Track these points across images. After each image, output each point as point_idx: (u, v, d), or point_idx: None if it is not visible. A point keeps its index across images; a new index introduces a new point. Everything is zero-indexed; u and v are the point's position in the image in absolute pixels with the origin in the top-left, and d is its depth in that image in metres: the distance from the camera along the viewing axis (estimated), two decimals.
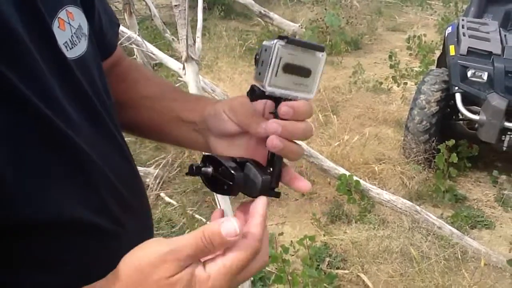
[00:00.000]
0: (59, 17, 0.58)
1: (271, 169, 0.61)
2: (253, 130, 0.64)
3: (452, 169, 3.51)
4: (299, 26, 6.88)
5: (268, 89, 0.58)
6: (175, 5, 1.61)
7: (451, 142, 3.44)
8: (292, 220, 3.26)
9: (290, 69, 0.58)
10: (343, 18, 6.85)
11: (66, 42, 0.58)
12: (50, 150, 0.52)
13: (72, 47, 0.59)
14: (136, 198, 0.70)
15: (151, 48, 3.03)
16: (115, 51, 0.80)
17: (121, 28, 3.45)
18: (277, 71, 0.57)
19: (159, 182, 3.58)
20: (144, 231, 0.72)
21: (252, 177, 0.59)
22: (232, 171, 0.57)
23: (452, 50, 3.60)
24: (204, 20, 7.69)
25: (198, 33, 1.97)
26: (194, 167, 0.59)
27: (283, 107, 0.59)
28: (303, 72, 0.60)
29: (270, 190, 0.61)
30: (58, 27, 0.57)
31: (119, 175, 0.64)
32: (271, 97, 0.60)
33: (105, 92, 0.68)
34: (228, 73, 5.32)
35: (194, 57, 1.70)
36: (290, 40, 0.57)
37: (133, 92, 0.81)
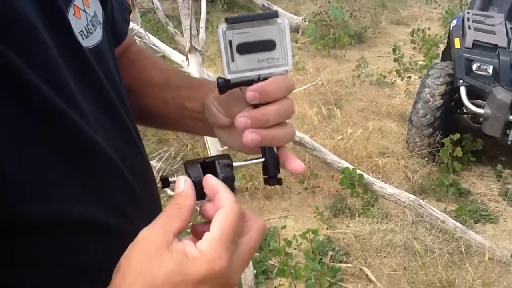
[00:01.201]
0: (74, 5, 0.56)
1: (264, 158, 0.58)
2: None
3: (456, 163, 3.49)
4: (302, 19, 6.85)
5: (230, 76, 0.54)
6: None
7: (456, 136, 3.41)
8: (295, 214, 3.25)
9: (247, 48, 0.54)
10: (346, 11, 6.81)
11: (81, 30, 0.56)
12: (62, 144, 0.50)
13: (88, 36, 0.57)
14: (148, 194, 0.68)
15: (154, 40, 3.01)
16: (126, 38, 0.79)
17: None
18: (232, 55, 0.54)
19: (161, 175, 3.57)
20: None
21: (218, 175, 0.55)
22: (191, 176, 0.54)
23: (457, 43, 3.57)
24: (207, 13, 7.66)
25: (202, 24, 1.95)
26: (161, 179, 0.57)
27: (248, 93, 0.54)
28: (265, 46, 0.54)
29: (272, 178, 0.58)
30: (74, 15, 0.55)
31: (133, 170, 0.62)
32: (241, 82, 0.55)
33: (120, 81, 0.66)
34: None
35: (197, 48, 1.68)
36: (231, 20, 0.53)
37: (140, 80, 0.80)
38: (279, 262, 2.69)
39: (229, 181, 0.54)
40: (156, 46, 2.93)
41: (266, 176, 0.58)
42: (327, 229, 3.07)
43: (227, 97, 0.61)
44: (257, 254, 2.70)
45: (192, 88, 0.76)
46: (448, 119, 3.64)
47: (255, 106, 0.55)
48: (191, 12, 1.55)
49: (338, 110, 4.37)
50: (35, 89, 0.47)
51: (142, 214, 0.65)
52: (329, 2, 7.06)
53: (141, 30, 2.92)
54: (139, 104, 0.79)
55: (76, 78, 0.54)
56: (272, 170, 0.58)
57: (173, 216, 0.49)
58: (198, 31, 1.77)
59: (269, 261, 2.75)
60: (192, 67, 1.70)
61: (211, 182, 0.53)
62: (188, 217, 0.50)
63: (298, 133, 3.12)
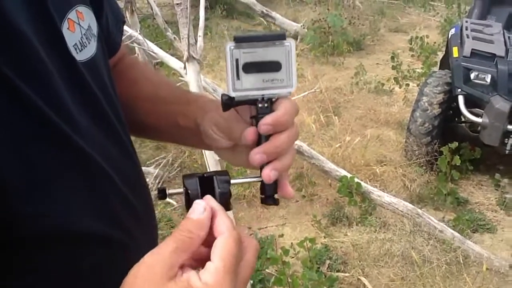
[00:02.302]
0: (68, 18, 0.56)
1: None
2: (238, 142, 0.62)
3: (454, 171, 3.49)
4: (301, 26, 6.86)
5: (234, 94, 0.55)
6: (177, 4, 1.58)
7: (454, 144, 3.41)
8: (292, 222, 3.23)
9: (253, 68, 0.54)
10: (345, 18, 6.82)
11: (75, 44, 0.56)
12: (58, 158, 0.50)
13: (82, 49, 0.57)
14: (144, 206, 0.68)
15: (152, 46, 3.01)
16: (119, 49, 0.78)
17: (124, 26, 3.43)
18: (237, 74, 0.54)
19: (159, 182, 3.55)
20: (150, 239, 0.70)
21: (215, 190, 0.56)
22: (188, 190, 0.54)
23: (455, 51, 3.58)
24: (206, 19, 7.65)
25: (200, 32, 1.95)
26: (158, 190, 0.58)
27: (262, 127, 0.56)
28: (271, 66, 0.55)
29: (268, 198, 0.58)
30: (68, 28, 0.55)
31: (129, 183, 0.62)
32: (245, 101, 0.56)
33: (115, 94, 0.66)
34: None
35: (195, 56, 1.67)
36: (239, 39, 0.53)
37: (131, 93, 0.79)
38: (276, 271, 2.67)
39: (225, 197, 0.54)
40: (154, 52, 2.93)
41: (263, 196, 0.59)
42: (324, 237, 3.05)
43: (226, 122, 0.63)
44: None
45: (182, 104, 0.75)
46: (446, 128, 3.64)
47: (257, 122, 0.56)
48: (189, 21, 1.55)
49: (336, 117, 4.37)
50: (31, 103, 0.47)
51: (139, 226, 0.66)
52: (328, 9, 7.08)
53: (140, 37, 2.92)
54: (130, 117, 0.79)
55: (70, 92, 0.53)
56: (269, 190, 0.58)
57: (183, 246, 0.48)
58: (196, 40, 1.77)
59: (266, 270, 2.74)
60: (190, 75, 1.70)
61: (203, 203, 0.52)
62: (196, 248, 0.48)
63: (296, 141, 3.11)
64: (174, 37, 2.55)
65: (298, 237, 2.90)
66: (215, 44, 6.19)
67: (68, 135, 0.51)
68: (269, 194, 0.58)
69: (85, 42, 0.58)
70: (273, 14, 7.01)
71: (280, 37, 0.55)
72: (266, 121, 0.55)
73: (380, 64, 6.17)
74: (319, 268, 2.73)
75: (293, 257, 2.77)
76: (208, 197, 0.53)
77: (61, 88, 0.52)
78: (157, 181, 3.56)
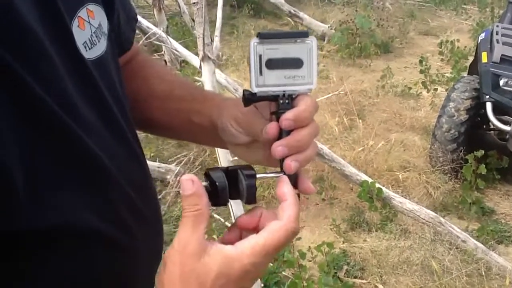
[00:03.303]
0: (79, 16, 0.56)
1: (283, 173, 0.58)
2: (259, 137, 0.62)
3: (479, 180, 3.39)
4: (328, 27, 6.80)
5: (256, 90, 0.56)
6: (194, 3, 1.58)
7: (480, 152, 3.32)
8: (311, 225, 3.20)
9: (275, 64, 0.56)
10: (374, 20, 6.73)
11: (85, 42, 0.56)
12: (63, 156, 0.50)
13: (92, 47, 0.58)
14: (150, 207, 0.68)
15: (175, 45, 3.02)
16: (131, 48, 0.78)
17: (147, 24, 3.46)
18: (260, 69, 0.56)
19: (179, 180, 3.57)
20: (154, 240, 0.70)
21: (240, 184, 0.58)
22: (216, 181, 0.56)
23: (484, 57, 3.48)
24: (233, 18, 7.72)
25: (217, 32, 1.94)
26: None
27: (284, 121, 0.57)
28: (293, 63, 0.57)
29: None
30: (78, 26, 0.55)
31: (134, 184, 0.62)
32: (266, 97, 0.57)
33: (123, 93, 0.66)
34: None
35: (211, 56, 1.67)
36: (263, 35, 0.55)
37: (144, 91, 0.79)
38: (292, 274, 2.65)
39: (251, 191, 0.56)
40: (177, 51, 2.95)
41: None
42: (343, 242, 3.01)
43: (246, 116, 0.63)
44: (271, 264, 2.67)
45: (196, 101, 0.75)
46: (473, 135, 3.54)
47: (277, 117, 0.57)
48: (204, 20, 1.54)
49: (360, 121, 4.31)
50: (40, 101, 0.47)
51: (143, 228, 0.65)
52: (356, 10, 6.99)
53: (163, 35, 2.93)
54: (144, 115, 0.79)
55: (78, 90, 0.54)
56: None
57: (196, 220, 0.51)
58: (212, 39, 1.76)
59: (283, 272, 2.72)
60: (205, 75, 1.69)
61: (283, 187, 0.55)
62: (209, 213, 0.52)
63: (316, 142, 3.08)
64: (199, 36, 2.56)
65: (317, 241, 2.87)
66: (241, 43, 6.19)
67: (74, 132, 0.51)
68: None
69: (95, 40, 0.58)
70: (301, 14, 6.97)
71: (302, 34, 0.56)
72: (288, 116, 0.56)
73: (408, 68, 6.06)
74: (336, 273, 2.70)
75: (310, 261, 2.74)
76: (284, 178, 0.56)
77: (69, 86, 0.52)
78: (177, 178, 3.58)
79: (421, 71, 5.21)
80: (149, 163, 3.66)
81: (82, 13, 0.57)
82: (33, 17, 0.48)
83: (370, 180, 3.11)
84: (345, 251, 2.92)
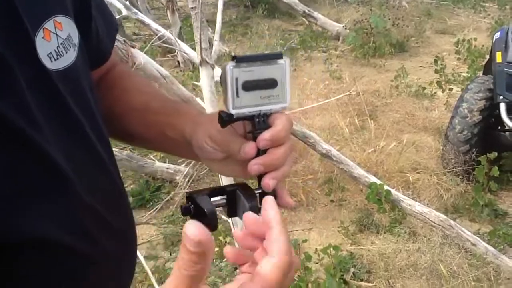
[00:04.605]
0: (44, 27, 0.56)
1: (261, 190, 0.60)
2: (236, 155, 0.62)
3: (492, 182, 3.32)
4: (343, 26, 6.75)
5: (234, 112, 0.58)
6: (191, 8, 1.58)
7: (493, 154, 3.25)
8: (319, 227, 3.18)
9: (251, 86, 0.58)
10: (389, 19, 6.66)
11: (50, 53, 0.57)
12: (23, 166, 0.50)
13: (58, 58, 0.58)
14: (119, 216, 0.68)
15: (184, 47, 3.03)
16: (110, 58, 0.79)
17: (156, 26, 3.48)
18: (237, 92, 0.57)
19: (188, 180, 3.59)
20: (124, 251, 0.70)
21: (241, 205, 0.60)
22: (204, 208, 0.56)
23: (498, 57, 3.41)
24: (248, 18, 7.72)
25: (216, 36, 1.94)
26: (182, 209, 0.59)
27: (261, 142, 0.59)
28: (268, 84, 0.59)
29: None
30: (43, 37, 0.56)
31: (100, 193, 0.62)
32: (243, 117, 0.59)
33: (95, 103, 0.66)
34: None
35: (208, 61, 1.66)
36: (239, 59, 0.57)
37: (122, 102, 0.80)
38: (298, 276, 2.64)
39: (254, 211, 0.57)
40: (185, 53, 2.95)
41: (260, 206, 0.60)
42: (351, 244, 2.98)
43: (221, 135, 0.64)
44: None
45: (172, 115, 0.75)
46: (486, 136, 3.47)
47: (254, 136, 0.59)
48: (201, 25, 1.54)
49: (372, 121, 4.26)
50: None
51: (113, 238, 0.64)
52: (370, 9, 6.93)
53: (172, 37, 2.95)
54: (121, 126, 0.79)
55: (39, 100, 0.54)
56: None
57: (196, 279, 0.45)
58: (210, 44, 1.76)
59: None
60: (203, 80, 1.69)
61: (268, 212, 0.51)
62: (209, 270, 0.46)
63: (325, 145, 3.05)
64: (213, 36, 2.56)
65: (324, 243, 2.85)
66: (254, 44, 6.19)
67: (31, 139, 0.51)
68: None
69: (61, 51, 0.59)
70: (315, 14, 6.94)
71: (276, 56, 0.58)
72: (265, 137, 0.58)
73: (424, 67, 5.98)
74: (342, 275, 2.67)
75: (317, 263, 2.72)
76: (268, 205, 0.52)
77: (28, 96, 0.52)
78: (186, 179, 3.60)
79: (436, 71, 5.13)
80: (158, 164, 3.68)
81: (49, 25, 0.57)
82: None
83: (378, 182, 3.07)
84: (352, 254, 2.89)
